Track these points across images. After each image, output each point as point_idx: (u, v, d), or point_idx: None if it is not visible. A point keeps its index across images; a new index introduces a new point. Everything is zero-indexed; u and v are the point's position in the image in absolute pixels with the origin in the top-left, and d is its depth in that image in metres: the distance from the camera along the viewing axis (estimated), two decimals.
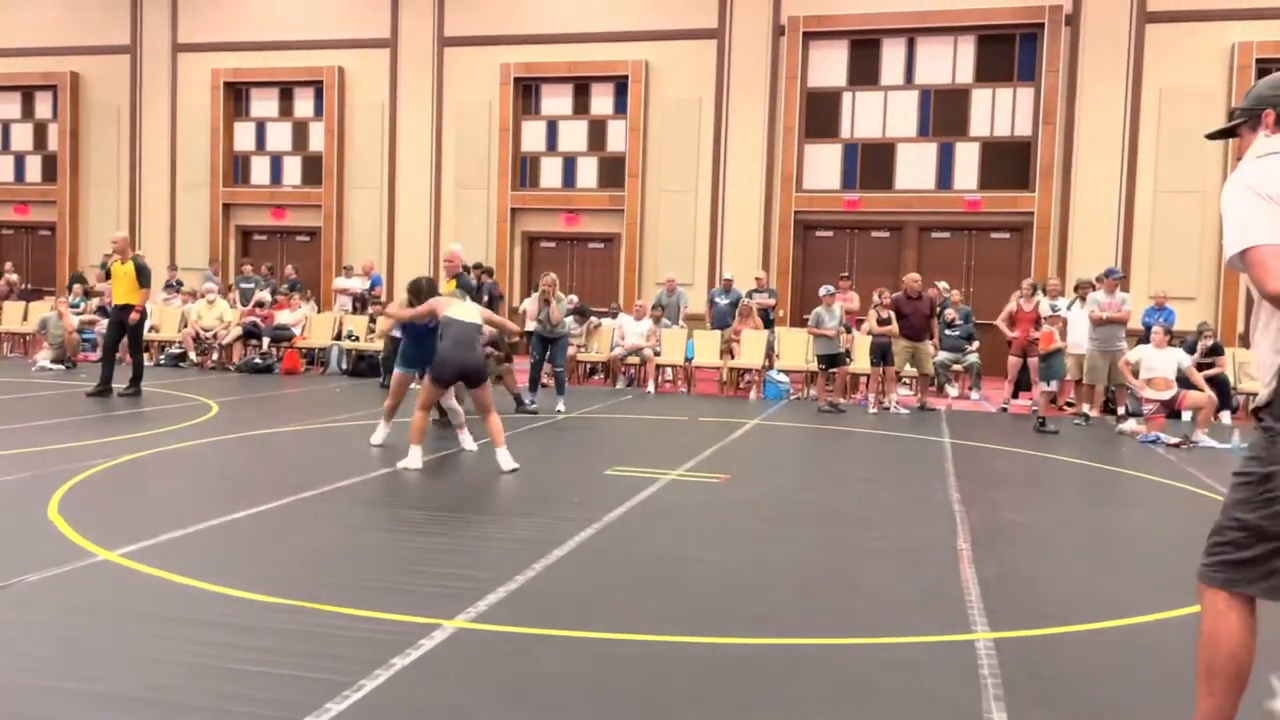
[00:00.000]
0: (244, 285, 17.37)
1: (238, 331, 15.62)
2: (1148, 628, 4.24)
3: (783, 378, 13.79)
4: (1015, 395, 12.96)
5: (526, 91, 19.01)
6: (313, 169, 20.05)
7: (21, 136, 21.66)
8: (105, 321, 13.85)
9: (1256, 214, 2.50)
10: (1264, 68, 15.15)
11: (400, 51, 19.19)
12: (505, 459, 7.38)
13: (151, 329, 15.24)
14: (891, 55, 17.39)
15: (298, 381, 14.10)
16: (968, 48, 17.08)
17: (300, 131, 20.23)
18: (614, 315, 15.54)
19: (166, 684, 3.32)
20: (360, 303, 17.31)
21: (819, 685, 3.49)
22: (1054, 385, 11.78)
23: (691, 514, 6.27)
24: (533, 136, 19.07)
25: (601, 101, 18.72)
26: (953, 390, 13.99)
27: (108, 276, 12.73)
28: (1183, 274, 15.93)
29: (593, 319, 15.09)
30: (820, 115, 17.67)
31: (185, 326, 16.01)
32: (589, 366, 15.61)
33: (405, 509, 6.17)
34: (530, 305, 13.15)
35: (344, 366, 15.32)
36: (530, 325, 12.36)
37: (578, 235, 18.98)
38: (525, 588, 4.48)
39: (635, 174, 18.14)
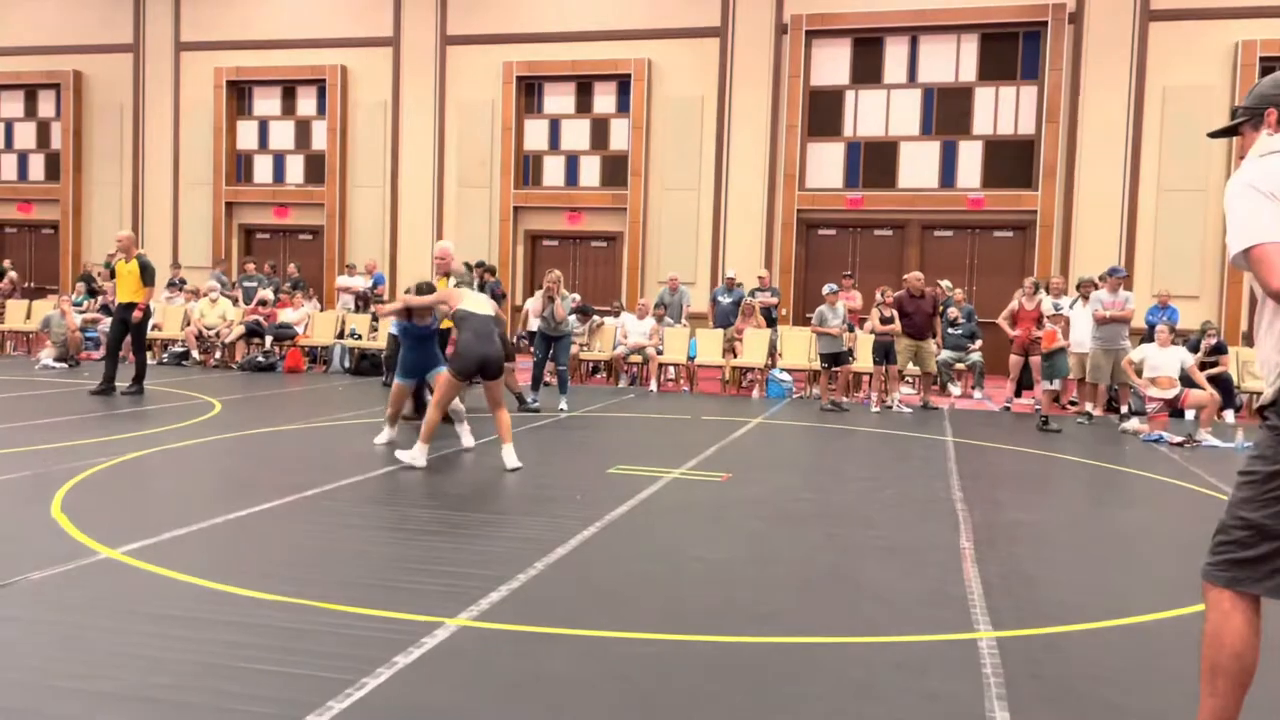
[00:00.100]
0: (247, 284, 17.40)
1: (240, 330, 15.63)
2: (1150, 627, 4.23)
3: (785, 376, 13.79)
4: (1018, 394, 12.95)
5: (529, 90, 19.01)
6: (315, 167, 20.07)
7: (25, 135, 21.69)
8: (108, 320, 13.88)
9: (1259, 212, 2.50)
10: (1267, 66, 15.13)
11: (403, 50, 19.20)
12: (510, 456, 7.37)
13: (154, 327, 15.25)
14: (894, 54, 17.37)
15: (300, 380, 14.11)
16: (971, 46, 17.06)
17: (303, 130, 20.24)
18: (616, 314, 15.55)
19: (168, 682, 3.32)
20: (363, 301, 17.34)
21: (821, 684, 3.49)
22: (1057, 384, 11.77)
23: (694, 513, 6.27)
24: (535, 135, 19.06)
25: (604, 100, 18.71)
26: (955, 389, 13.98)
27: (113, 275, 12.75)
28: (1186, 272, 15.92)
29: (595, 318, 15.09)
30: (823, 114, 17.66)
31: (188, 325, 16.02)
32: (591, 365, 15.61)
33: (408, 507, 6.17)
34: (534, 303, 13.15)
35: (346, 365, 15.33)
36: (533, 323, 12.35)
37: (580, 234, 18.98)
38: (527, 586, 4.48)
39: (638, 172, 18.13)
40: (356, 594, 4.27)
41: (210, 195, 20.30)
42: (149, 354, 13.54)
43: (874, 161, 17.55)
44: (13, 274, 19.15)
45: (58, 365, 14.55)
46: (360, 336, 15.60)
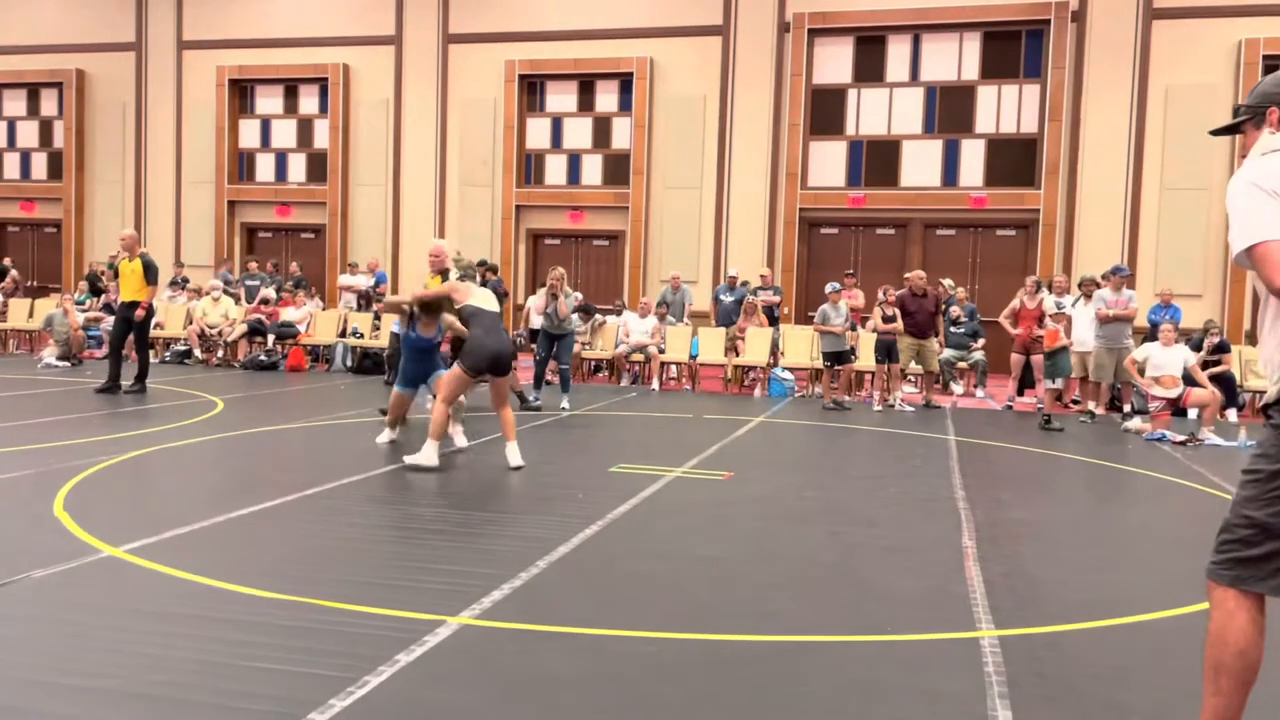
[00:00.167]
0: (249, 282, 17.41)
1: (243, 328, 15.64)
2: (1153, 625, 4.22)
3: (787, 375, 13.79)
4: (1020, 393, 12.95)
5: (531, 88, 19.01)
6: (318, 166, 20.08)
7: (27, 134, 21.71)
8: (110, 319, 13.89)
9: (1262, 210, 2.50)
10: (1270, 65, 15.11)
11: (405, 48, 19.20)
12: (514, 454, 7.35)
13: (157, 326, 15.26)
14: (897, 52, 17.36)
15: (302, 379, 14.12)
16: (973, 45, 17.05)
17: (305, 128, 20.25)
18: (618, 313, 15.54)
19: (170, 680, 3.32)
20: (365, 300, 17.35)
21: (823, 683, 3.49)
22: (1059, 383, 11.76)
23: (695, 511, 6.26)
24: (537, 133, 19.06)
25: (606, 98, 18.71)
26: (958, 388, 13.97)
27: (116, 275, 12.77)
28: (1188, 271, 15.90)
29: (597, 316, 15.09)
30: (825, 112, 17.65)
31: (190, 324, 16.04)
32: (593, 364, 15.62)
33: (410, 506, 6.17)
34: (536, 300, 13.15)
35: (349, 363, 15.33)
36: (536, 321, 12.35)
37: (582, 232, 18.98)
38: (529, 585, 4.48)
39: (640, 171, 18.13)
40: (358, 592, 4.27)
41: (212, 194, 20.32)
42: (151, 352, 13.55)
43: (876, 160, 17.54)
44: (14, 273, 19.17)
45: (60, 364, 14.56)
46: (362, 335, 15.61)
